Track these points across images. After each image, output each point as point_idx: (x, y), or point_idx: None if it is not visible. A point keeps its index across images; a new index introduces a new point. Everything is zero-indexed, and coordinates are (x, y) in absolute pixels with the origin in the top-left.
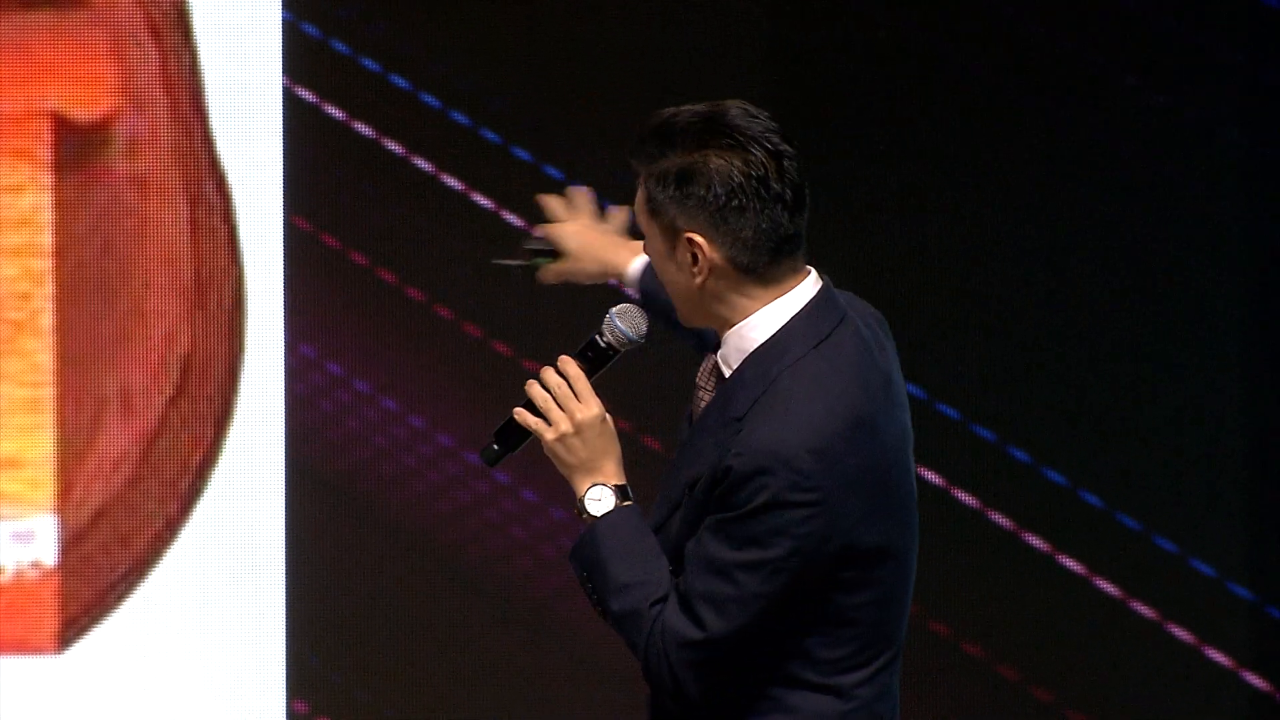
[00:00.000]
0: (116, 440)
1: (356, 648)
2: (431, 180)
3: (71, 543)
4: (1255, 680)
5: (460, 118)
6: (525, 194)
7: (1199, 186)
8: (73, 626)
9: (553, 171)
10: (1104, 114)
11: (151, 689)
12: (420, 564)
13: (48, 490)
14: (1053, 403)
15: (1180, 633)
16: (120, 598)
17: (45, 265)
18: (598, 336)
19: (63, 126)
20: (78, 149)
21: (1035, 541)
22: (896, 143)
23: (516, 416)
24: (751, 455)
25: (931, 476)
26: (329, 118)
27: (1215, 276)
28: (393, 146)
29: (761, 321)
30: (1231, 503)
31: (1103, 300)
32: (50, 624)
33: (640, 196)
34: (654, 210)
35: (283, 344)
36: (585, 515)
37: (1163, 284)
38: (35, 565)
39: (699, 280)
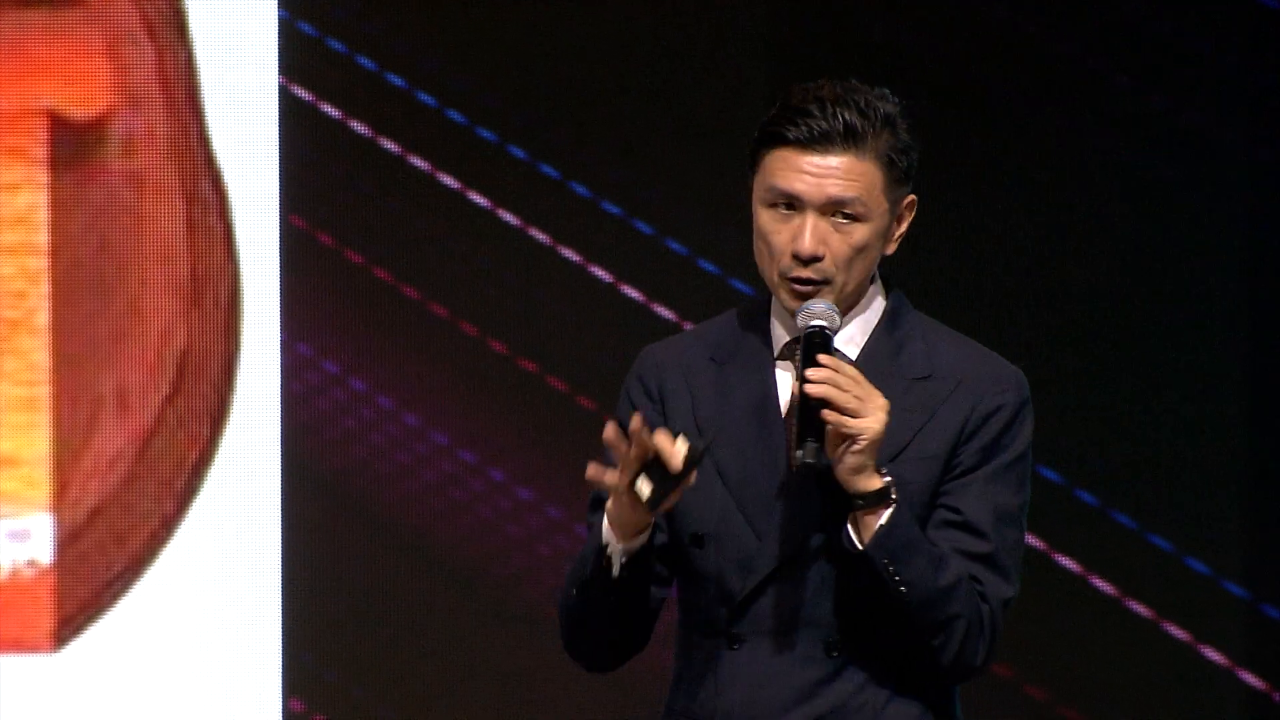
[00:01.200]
0: (113, 438)
1: (352, 646)
2: (428, 179)
3: (67, 541)
4: (1250, 679)
5: (456, 116)
6: (521, 192)
7: (1197, 187)
8: (69, 625)
9: (549, 170)
10: (1101, 115)
11: (147, 687)
12: (416, 562)
13: (44, 489)
14: (1048, 402)
15: (1175, 631)
16: (116, 596)
17: (41, 263)
18: (821, 330)
19: (58, 124)
20: (73, 147)
21: (1030, 540)
22: None
23: (834, 420)
24: (1013, 387)
25: None
26: (325, 116)
27: (1213, 277)
28: (389, 145)
29: (876, 291)
30: (1227, 501)
31: (1099, 300)
32: (46, 622)
33: (869, 181)
34: (890, 185)
35: (279, 342)
36: (888, 500)
37: (1160, 284)
38: (31, 564)
39: (895, 246)
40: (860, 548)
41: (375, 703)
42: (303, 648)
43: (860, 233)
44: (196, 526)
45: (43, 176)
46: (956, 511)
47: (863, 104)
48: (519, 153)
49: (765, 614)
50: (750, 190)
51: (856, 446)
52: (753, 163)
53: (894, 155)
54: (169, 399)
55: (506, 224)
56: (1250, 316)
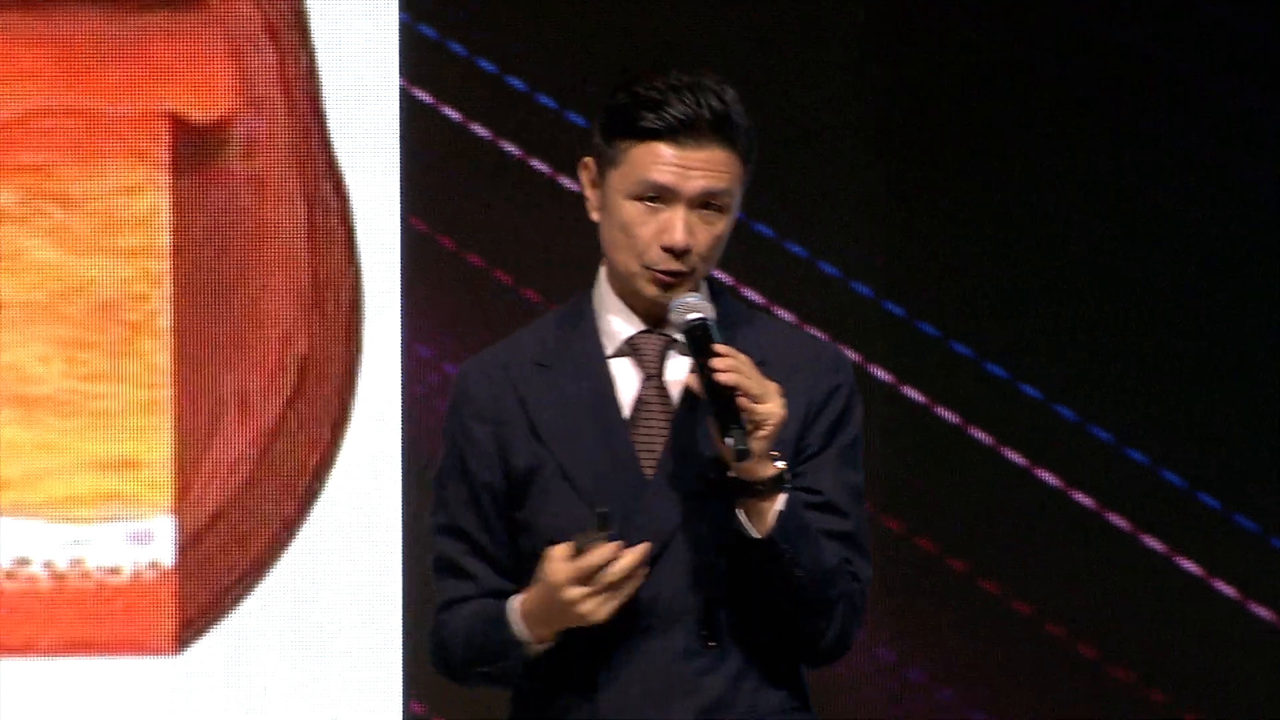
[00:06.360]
0: (234, 441)
1: None
2: (549, 182)
3: (189, 544)
4: None
5: (576, 118)
6: None
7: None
8: (190, 627)
9: None
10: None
11: (268, 689)
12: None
13: (166, 491)
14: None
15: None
16: (237, 599)
17: (163, 266)
18: (703, 321)
19: (180, 127)
20: (195, 150)
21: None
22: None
23: (746, 407)
24: (844, 367)
25: (1047, 476)
26: (446, 119)
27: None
28: (510, 148)
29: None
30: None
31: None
32: (168, 625)
33: (734, 173)
34: (745, 177)
35: (399, 345)
36: (782, 485)
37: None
38: (153, 566)
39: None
40: (758, 535)
41: (496, 705)
42: (424, 651)
43: (722, 224)
44: (318, 529)
45: (164, 179)
46: (816, 493)
47: (720, 91)
48: None
49: (638, 612)
50: (594, 179)
51: (763, 432)
52: (607, 153)
53: (750, 147)
54: (290, 402)
55: None
56: None
